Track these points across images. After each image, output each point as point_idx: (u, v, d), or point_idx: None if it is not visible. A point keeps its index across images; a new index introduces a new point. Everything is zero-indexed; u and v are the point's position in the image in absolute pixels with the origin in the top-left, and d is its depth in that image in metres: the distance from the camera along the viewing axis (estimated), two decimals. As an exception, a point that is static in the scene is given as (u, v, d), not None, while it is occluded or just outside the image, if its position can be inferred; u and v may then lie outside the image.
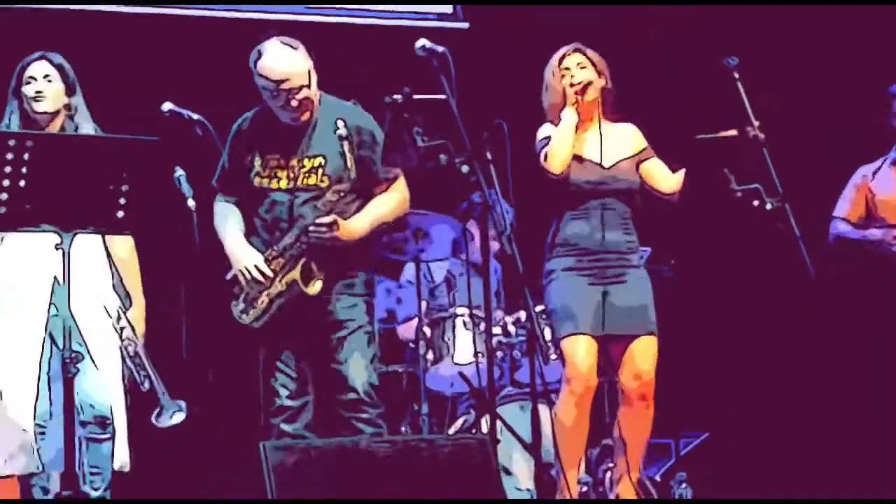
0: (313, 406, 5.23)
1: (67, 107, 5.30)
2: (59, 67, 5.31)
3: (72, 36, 6.56)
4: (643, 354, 5.53)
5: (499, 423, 5.85)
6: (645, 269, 5.65)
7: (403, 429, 6.36)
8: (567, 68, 5.64)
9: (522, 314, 6.48)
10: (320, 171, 5.16)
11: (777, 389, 7.06)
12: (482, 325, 6.39)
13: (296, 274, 5.12)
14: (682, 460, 6.42)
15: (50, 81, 5.27)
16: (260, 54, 5.18)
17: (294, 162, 5.18)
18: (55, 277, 5.06)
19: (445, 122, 5.00)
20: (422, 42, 5.02)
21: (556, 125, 5.60)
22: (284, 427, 5.16)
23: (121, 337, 5.28)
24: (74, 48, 6.20)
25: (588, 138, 5.64)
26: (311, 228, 5.09)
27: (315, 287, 5.12)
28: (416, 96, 5.09)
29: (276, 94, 5.14)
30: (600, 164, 5.60)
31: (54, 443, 5.08)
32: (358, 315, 5.24)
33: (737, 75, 5.55)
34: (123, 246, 5.37)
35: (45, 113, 5.27)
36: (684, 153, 5.63)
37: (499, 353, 6.44)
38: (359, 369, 5.19)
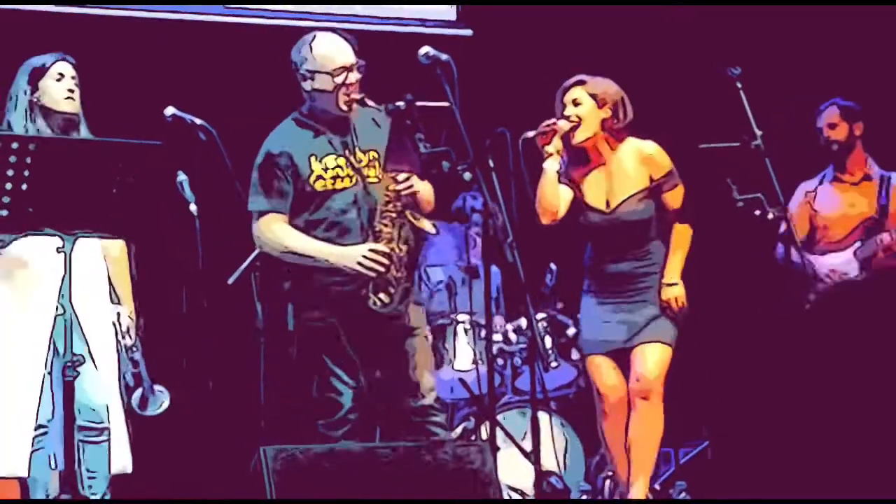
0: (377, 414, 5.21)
1: (77, 114, 5.25)
2: (76, 67, 5.23)
3: (73, 39, 6.57)
4: (644, 357, 5.57)
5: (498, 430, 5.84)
6: (654, 287, 5.62)
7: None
8: (565, 104, 5.64)
9: (523, 321, 6.48)
10: (377, 164, 5.16)
11: (777, 397, 7.04)
12: (483, 332, 6.38)
13: (405, 231, 5.11)
14: (681, 469, 6.40)
15: (76, 84, 5.20)
16: (314, 42, 5.17)
17: (351, 158, 5.16)
18: (61, 280, 5.05)
19: (448, 129, 5.01)
20: (425, 49, 5.02)
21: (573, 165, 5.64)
22: (335, 435, 5.12)
23: (119, 330, 5.25)
24: (76, 51, 6.21)
25: (593, 181, 5.65)
26: (397, 186, 5.04)
27: (428, 224, 5.11)
28: (418, 103, 5.10)
29: (336, 78, 5.11)
30: (602, 211, 5.63)
31: (56, 444, 5.07)
32: (422, 321, 5.28)
33: (739, 85, 5.56)
34: (115, 245, 5.34)
35: (71, 114, 5.19)
36: (687, 163, 5.64)
37: (499, 361, 6.43)
38: (428, 375, 5.21)
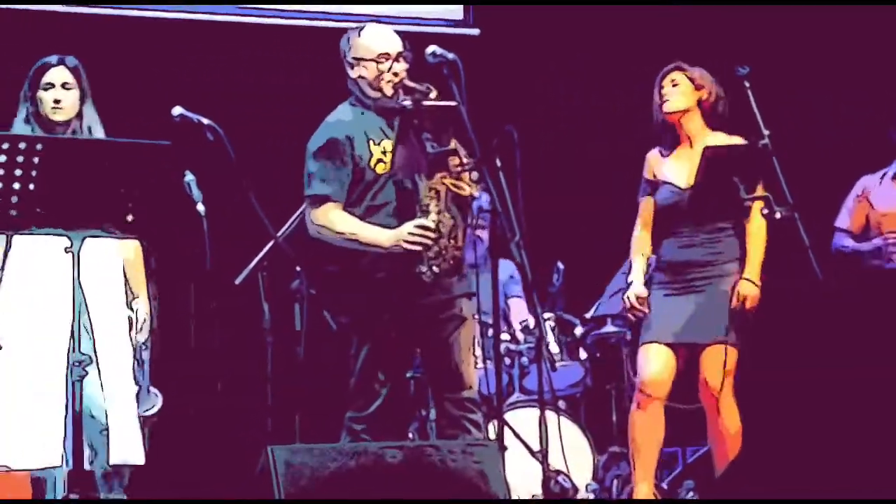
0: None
1: (80, 115, 5.24)
2: (76, 72, 5.21)
3: (81, 39, 6.57)
4: (707, 364, 5.60)
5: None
6: (731, 278, 5.65)
7: (411, 434, 6.34)
8: (662, 86, 5.70)
9: (531, 320, 6.47)
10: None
11: (785, 397, 7.03)
12: (490, 331, 6.37)
13: (449, 201, 5.11)
14: (689, 468, 6.40)
15: (68, 90, 5.17)
16: (361, 31, 5.19)
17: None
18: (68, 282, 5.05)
19: (455, 128, 5.01)
20: (432, 48, 5.02)
21: (661, 147, 5.71)
22: (364, 435, 5.12)
23: (132, 329, 5.23)
24: (84, 52, 6.20)
25: (678, 159, 5.71)
26: (450, 166, 5.06)
27: (473, 188, 5.11)
28: (425, 102, 5.09)
29: (387, 66, 5.12)
30: (679, 188, 5.67)
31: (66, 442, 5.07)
32: (471, 312, 5.27)
33: (747, 84, 5.55)
34: (130, 246, 5.33)
35: (60, 123, 5.19)
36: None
37: (506, 360, 6.42)
38: (472, 368, 5.23)
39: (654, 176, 5.75)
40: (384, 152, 5.15)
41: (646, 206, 5.78)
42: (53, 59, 5.23)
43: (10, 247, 5.19)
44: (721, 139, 5.70)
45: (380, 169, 5.15)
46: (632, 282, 5.73)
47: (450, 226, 5.11)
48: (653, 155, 5.79)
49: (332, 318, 5.29)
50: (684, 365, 5.69)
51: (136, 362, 5.27)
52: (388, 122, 5.18)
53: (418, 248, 5.03)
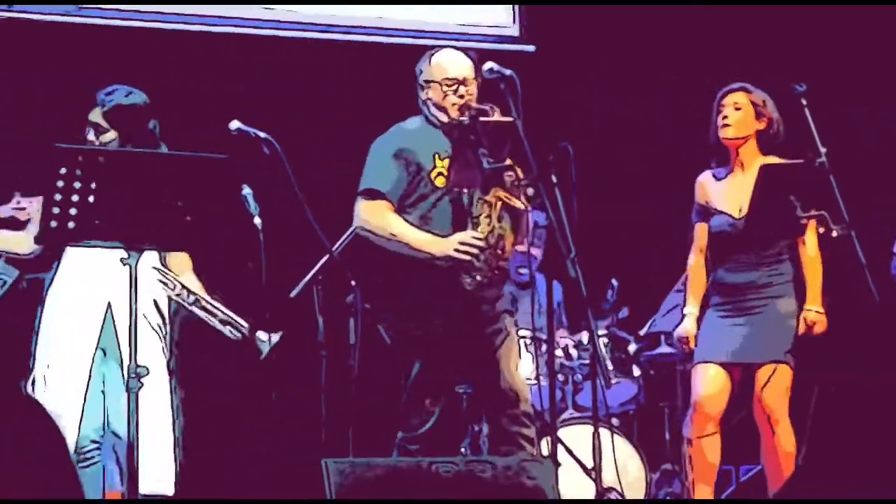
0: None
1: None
2: (109, 116, 5.20)
3: (142, 54, 6.62)
4: (763, 383, 5.58)
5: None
6: (787, 300, 5.65)
7: (463, 450, 6.33)
8: (723, 105, 5.69)
9: (584, 337, 6.45)
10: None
11: (841, 417, 6.96)
12: (544, 347, 6.35)
13: (501, 213, 5.13)
14: (742, 486, 6.35)
15: (101, 132, 5.22)
16: (435, 53, 5.27)
17: None
18: (111, 295, 5.08)
19: (512, 144, 5.00)
20: (490, 65, 5.05)
21: (713, 170, 5.74)
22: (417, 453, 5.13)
23: (177, 296, 5.21)
24: (144, 66, 6.25)
25: (731, 187, 5.70)
26: (496, 167, 5.08)
27: (520, 202, 5.12)
28: (482, 118, 5.10)
29: (454, 89, 5.17)
30: (732, 216, 5.67)
31: (110, 462, 5.07)
32: (513, 327, 5.31)
33: (804, 101, 5.51)
34: (179, 258, 5.35)
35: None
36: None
37: (559, 376, 6.40)
38: (523, 382, 5.26)
39: (707, 202, 5.72)
40: (445, 167, 5.17)
41: (700, 232, 5.76)
42: (99, 96, 5.26)
43: (65, 255, 5.23)
44: (775, 161, 5.68)
45: (439, 182, 5.18)
46: (686, 314, 5.71)
47: (498, 236, 5.11)
48: (705, 180, 5.77)
49: (386, 333, 5.29)
50: (738, 385, 5.65)
51: (204, 313, 5.20)
52: (450, 141, 5.22)
53: (467, 258, 5.03)
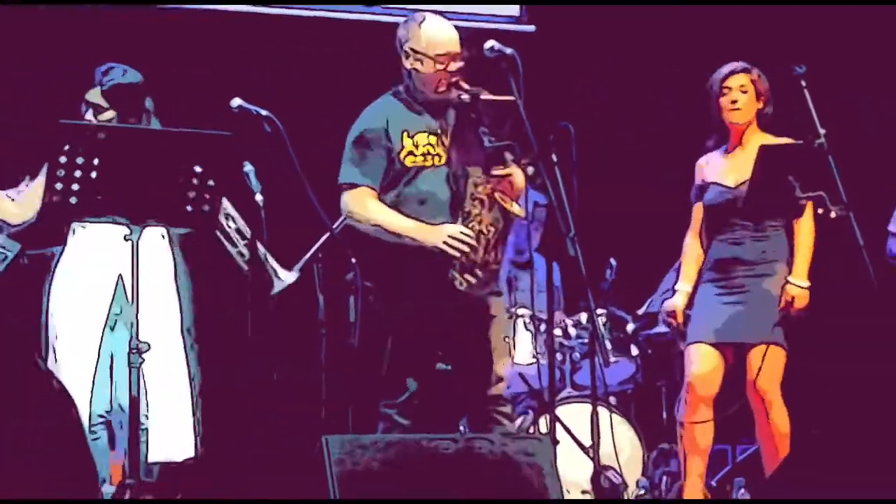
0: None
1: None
2: (113, 92, 5.27)
3: (142, 34, 6.62)
4: (755, 363, 5.58)
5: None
6: (779, 278, 5.65)
7: (462, 427, 6.35)
8: (729, 88, 5.69)
9: (583, 316, 6.47)
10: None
11: (836, 397, 6.99)
12: (542, 327, 6.37)
13: (494, 213, 5.12)
14: (739, 466, 6.37)
15: (100, 112, 5.27)
16: (424, 22, 5.18)
17: (444, 138, 5.17)
18: (122, 268, 5.09)
19: (513, 123, 5.01)
20: (491, 43, 5.04)
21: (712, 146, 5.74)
22: (399, 419, 5.16)
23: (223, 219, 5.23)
24: (146, 45, 6.26)
25: (729, 161, 5.72)
26: (494, 172, 5.05)
27: (516, 207, 5.11)
28: (483, 97, 5.10)
29: (438, 63, 5.12)
30: (727, 186, 5.68)
31: (120, 434, 5.10)
32: (502, 311, 5.31)
33: (804, 83, 5.52)
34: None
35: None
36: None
37: (558, 356, 6.41)
38: (503, 365, 5.25)
39: (703, 180, 5.75)
40: (416, 146, 5.15)
41: (697, 212, 5.78)
42: (97, 74, 5.29)
43: (73, 232, 5.25)
44: (769, 139, 5.70)
45: (408, 162, 5.15)
46: (677, 290, 5.73)
47: (491, 239, 5.12)
48: (703, 160, 5.80)
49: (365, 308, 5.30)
50: (732, 364, 5.68)
51: (237, 236, 5.23)
52: (431, 117, 5.19)
53: (455, 253, 5.05)
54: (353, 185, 5.17)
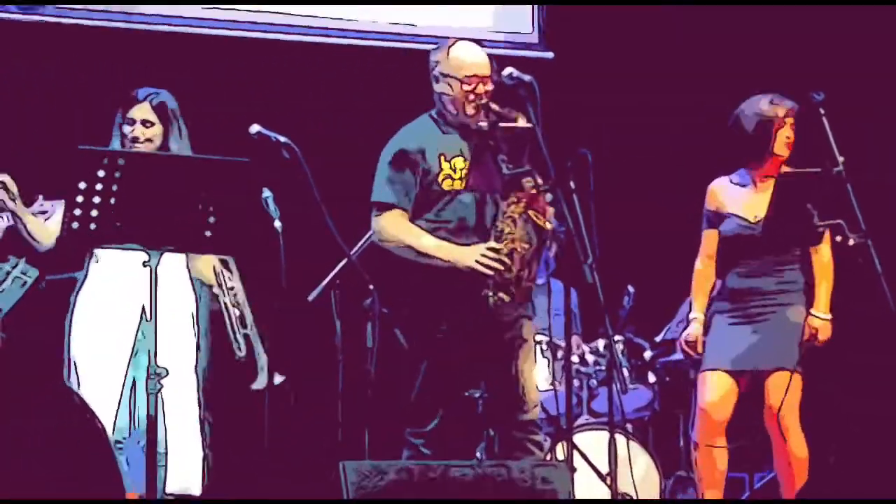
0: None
1: (162, 149, 5.31)
2: (160, 109, 5.28)
3: (163, 58, 6.66)
4: (773, 391, 5.59)
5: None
6: (798, 308, 5.67)
7: (478, 454, 6.34)
8: (786, 123, 5.69)
9: (600, 343, 6.47)
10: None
11: (854, 425, 6.97)
12: (559, 353, 6.37)
13: (527, 229, 5.12)
14: (756, 494, 6.36)
15: (147, 127, 5.27)
16: (453, 46, 5.21)
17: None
18: (145, 300, 5.11)
19: (531, 149, 5.02)
20: (509, 70, 5.05)
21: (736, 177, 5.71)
22: (424, 450, 5.16)
23: (227, 298, 5.25)
24: (166, 70, 6.28)
25: (749, 194, 5.73)
26: (525, 187, 5.06)
27: (549, 223, 5.13)
28: (501, 124, 5.11)
29: (473, 87, 5.14)
30: (749, 222, 5.68)
31: (134, 463, 5.10)
32: (531, 334, 5.31)
33: (822, 111, 5.52)
34: (204, 261, 5.37)
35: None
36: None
37: (575, 382, 6.41)
38: (535, 389, 5.27)
39: (718, 208, 5.74)
40: (454, 169, 5.17)
41: (709, 238, 5.77)
42: (142, 93, 5.31)
43: (96, 259, 5.27)
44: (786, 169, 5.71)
45: (446, 185, 5.17)
46: (691, 319, 5.73)
47: (525, 259, 5.12)
48: (719, 186, 5.78)
49: (403, 336, 5.31)
50: (745, 392, 5.68)
51: (236, 330, 5.25)
52: (464, 140, 5.21)
53: (488, 271, 5.05)
54: (389, 206, 5.19)
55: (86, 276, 5.30)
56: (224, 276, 5.27)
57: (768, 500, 5.76)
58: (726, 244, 5.74)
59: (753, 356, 5.62)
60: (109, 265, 5.26)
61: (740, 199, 5.73)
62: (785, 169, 5.70)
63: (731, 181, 5.78)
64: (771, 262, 5.67)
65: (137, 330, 5.20)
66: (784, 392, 5.56)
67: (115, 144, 5.29)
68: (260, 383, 5.28)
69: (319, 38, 7.12)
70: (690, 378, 6.46)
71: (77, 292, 5.29)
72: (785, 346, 5.62)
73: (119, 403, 5.17)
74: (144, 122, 5.27)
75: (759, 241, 5.65)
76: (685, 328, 5.80)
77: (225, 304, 5.25)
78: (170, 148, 5.28)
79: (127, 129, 5.28)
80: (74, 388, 5.13)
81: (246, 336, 5.27)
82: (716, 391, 5.64)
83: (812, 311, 5.67)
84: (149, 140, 5.26)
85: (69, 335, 5.24)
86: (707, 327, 5.74)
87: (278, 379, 5.24)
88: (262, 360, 5.27)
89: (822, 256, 5.72)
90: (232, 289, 5.27)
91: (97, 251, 5.25)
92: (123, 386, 5.19)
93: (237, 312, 5.29)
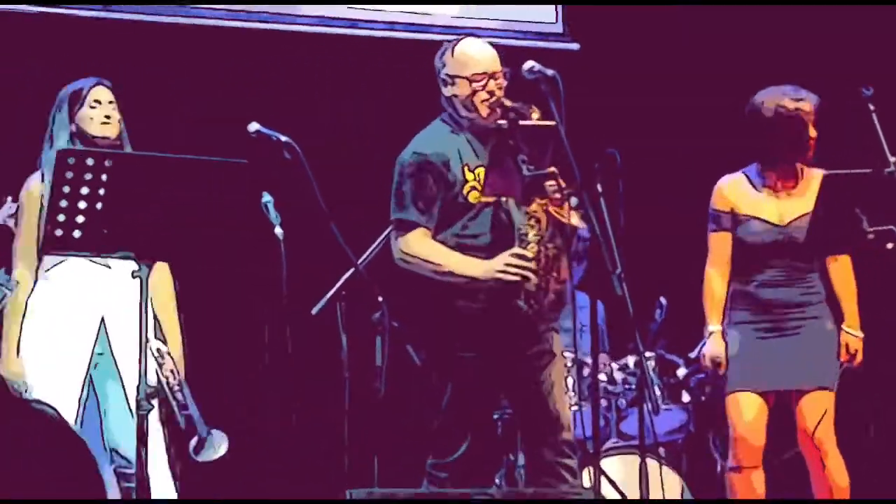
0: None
1: (120, 137, 5.31)
2: (115, 93, 5.34)
3: (155, 50, 6.62)
4: (807, 411, 5.56)
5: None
6: (827, 321, 5.66)
7: (498, 481, 6.29)
8: (811, 119, 5.65)
9: (630, 360, 6.42)
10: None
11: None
12: (586, 371, 6.32)
13: (551, 230, 5.08)
14: None
15: (114, 109, 5.31)
16: (456, 45, 5.18)
17: None
18: (104, 310, 5.08)
19: (554, 149, 4.97)
20: (530, 64, 5.01)
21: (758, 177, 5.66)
22: (449, 486, 5.08)
23: (161, 368, 5.24)
24: (157, 64, 6.24)
25: (771, 194, 5.70)
26: (548, 191, 5.02)
27: (576, 218, 5.06)
28: (522, 122, 5.06)
29: (483, 83, 5.10)
30: (774, 224, 5.65)
31: (112, 490, 5.07)
32: (560, 348, 5.25)
33: (872, 107, 5.46)
34: (160, 275, 5.33)
35: (107, 139, 5.27)
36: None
37: (602, 402, 6.36)
38: (567, 408, 5.22)
39: (734, 209, 5.68)
40: (478, 180, 5.12)
41: (722, 242, 5.70)
42: (93, 80, 5.35)
43: (42, 264, 5.23)
44: (816, 177, 5.62)
45: (472, 197, 5.12)
46: (711, 333, 5.65)
47: (552, 257, 5.06)
48: (730, 184, 5.71)
49: (416, 353, 5.27)
50: (772, 410, 5.65)
51: (176, 405, 5.25)
52: (483, 145, 5.15)
53: (515, 279, 4.98)
54: (413, 226, 5.13)
55: (34, 285, 5.25)
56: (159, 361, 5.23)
57: (768, 499, 5.71)
58: (746, 249, 5.66)
59: (789, 374, 5.59)
60: (60, 274, 5.22)
61: (761, 199, 5.68)
62: (805, 168, 5.62)
63: (748, 179, 5.71)
64: (802, 269, 5.65)
65: (95, 343, 5.18)
66: (822, 414, 5.53)
67: (62, 143, 5.23)
68: (206, 454, 5.24)
69: (324, 28, 7.08)
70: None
71: (27, 300, 5.25)
72: (822, 362, 5.62)
73: (80, 423, 5.13)
74: (111, 103, 5.31)
75: (787, 245, 5.61)
76: (703, 343, 5.72)
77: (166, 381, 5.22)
78: (123, 138, 5.29)
79: (94, 112, 5.27)
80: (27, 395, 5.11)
81: (185, 411, 5.23)
82: (752, 414, 5.61)
83: (846, 327, 5.66)
84: (113, 123, 5.28)
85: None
86: (726, 341, 5.66)
87: (219, 451, 5.20)
88: (199, 422, 5.23)
89: (844, 266, 5.71)
90: (164, 360, 5.23)
91: (46, 258, 5.20)
92: (81, 406, 5.15)
93: (176, 390, 5.25)
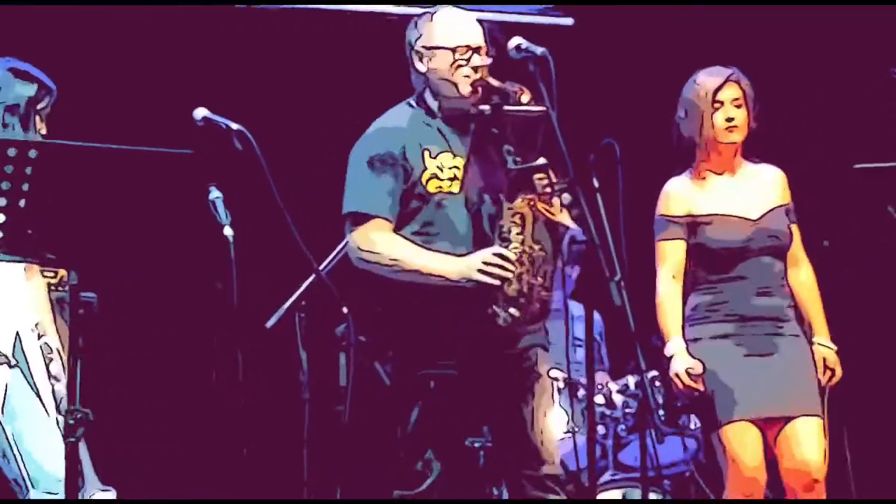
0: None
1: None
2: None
3: (89, 30, 6.64)
4: (804, 439, 5.55)
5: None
6: (801, 335, 5.67)
7: (496, 490, 6.32)
8: (721, 102, 5.65)
9: (631, 381, 6.45)
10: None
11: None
12: (581, 392, 6.35)
13: (537, 228, 5.07)
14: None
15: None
16: (435, 13, 5.19)
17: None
18: (19, 324, 5.10)
19: (544, 139, 4.99)
20: (517, 41, 5.02)
21: (691, 171, 5.70)
22: None
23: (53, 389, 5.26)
24: (93, 43, 6.26)
25: (727, 189, 5.69)
26: (537, 186, 5.02)
27: (566, 216, 5.07)
28: (507, 107, 5.08)
29: (467, 57, 5.10)
30: (748, 219, 5.65)
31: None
32: (545, 367, 5.24)
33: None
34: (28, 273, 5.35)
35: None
36: (840, 186, 5.59)
37: (599, 429, 6.39)
38: (552, 435, 5.21)
39: (690, 213, 5.67)
40: (440, 168, 5.13)
41: (673, 250, 5.69)
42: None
43: None
44: (758, 164, 5.72)
45: (431, 187, 5.13)
46: (673, 354, 5.62)
47: (538, 260, 5.07)
48: (680, 187, 5.72)
49: (385, 372, 5.28)
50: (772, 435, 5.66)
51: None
52: (455, 132, 5.17)
53: (494, 281, 5.00)
54: (365, 217, 5.14)
55: None
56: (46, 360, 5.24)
57: (769, 500, 5.74)
58: (714, 254, 5.65)
59: (777, 399, 5.57)
60: None
61: (725, 196, 5.67)
62: (744, 161, 5.68)
63: (682, 181, 5.73)
64: (774, 276, 5.64)
65: (12, 358, 5.19)
66: (818, 441, 5.54)
67: (15, 133, 5.25)
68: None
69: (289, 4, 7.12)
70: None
71: None
72: (807, 384, 5.61)
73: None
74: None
75: (761, 244, 5.61)
76: (668, 364, 5.65)
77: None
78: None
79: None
80: None
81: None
82: (752, 448, 5.56)
83: (819, 340, 5.68)
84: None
85: None
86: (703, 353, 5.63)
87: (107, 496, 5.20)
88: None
89: (806, 273, 5.74)
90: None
91: None
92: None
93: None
